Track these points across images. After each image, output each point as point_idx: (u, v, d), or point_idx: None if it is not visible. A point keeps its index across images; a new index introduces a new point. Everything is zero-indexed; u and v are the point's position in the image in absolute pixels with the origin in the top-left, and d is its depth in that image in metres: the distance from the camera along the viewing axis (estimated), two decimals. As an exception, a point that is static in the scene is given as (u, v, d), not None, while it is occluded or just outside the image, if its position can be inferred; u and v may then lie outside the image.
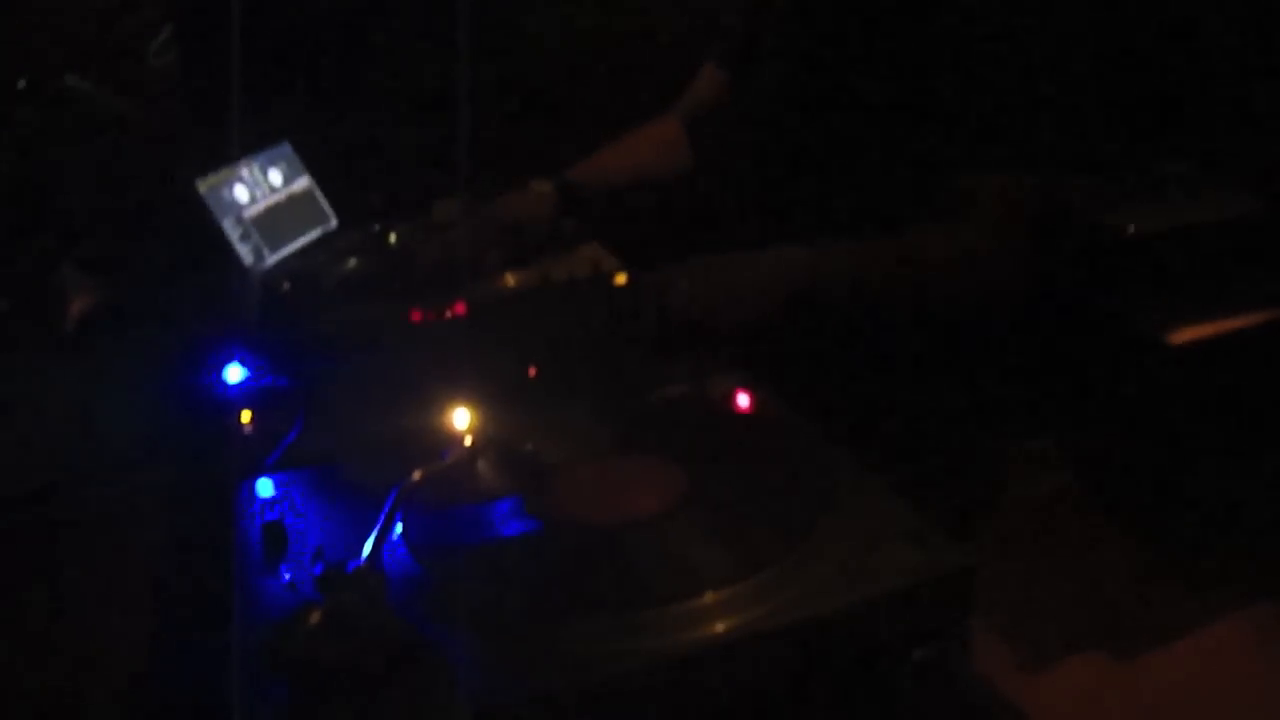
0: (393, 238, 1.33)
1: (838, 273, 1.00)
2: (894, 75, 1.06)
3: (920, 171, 1.05)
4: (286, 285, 1.20)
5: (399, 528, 0.75)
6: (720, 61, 1.34)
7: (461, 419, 0.85)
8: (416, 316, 1.15)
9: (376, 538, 0.70)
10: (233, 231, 1.27)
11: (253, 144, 1.38)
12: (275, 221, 1.35)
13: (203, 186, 1.27)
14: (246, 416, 0.95)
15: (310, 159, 1.45)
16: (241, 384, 0.97)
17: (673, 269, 1.01)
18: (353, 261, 1.26)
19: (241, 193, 1.31)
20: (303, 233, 1.39)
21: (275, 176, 1.39)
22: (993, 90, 1.04)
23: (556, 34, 1.79)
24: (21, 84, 1.47)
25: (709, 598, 0.67)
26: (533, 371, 1.01)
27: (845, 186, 1.12)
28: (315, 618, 0.61)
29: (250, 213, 1.31)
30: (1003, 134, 1.04)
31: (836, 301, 1.01)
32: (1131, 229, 2.04)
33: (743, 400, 0.93)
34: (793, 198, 1.21)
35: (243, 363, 0.98)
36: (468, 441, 0.84)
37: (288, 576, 0.72)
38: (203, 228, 1.27)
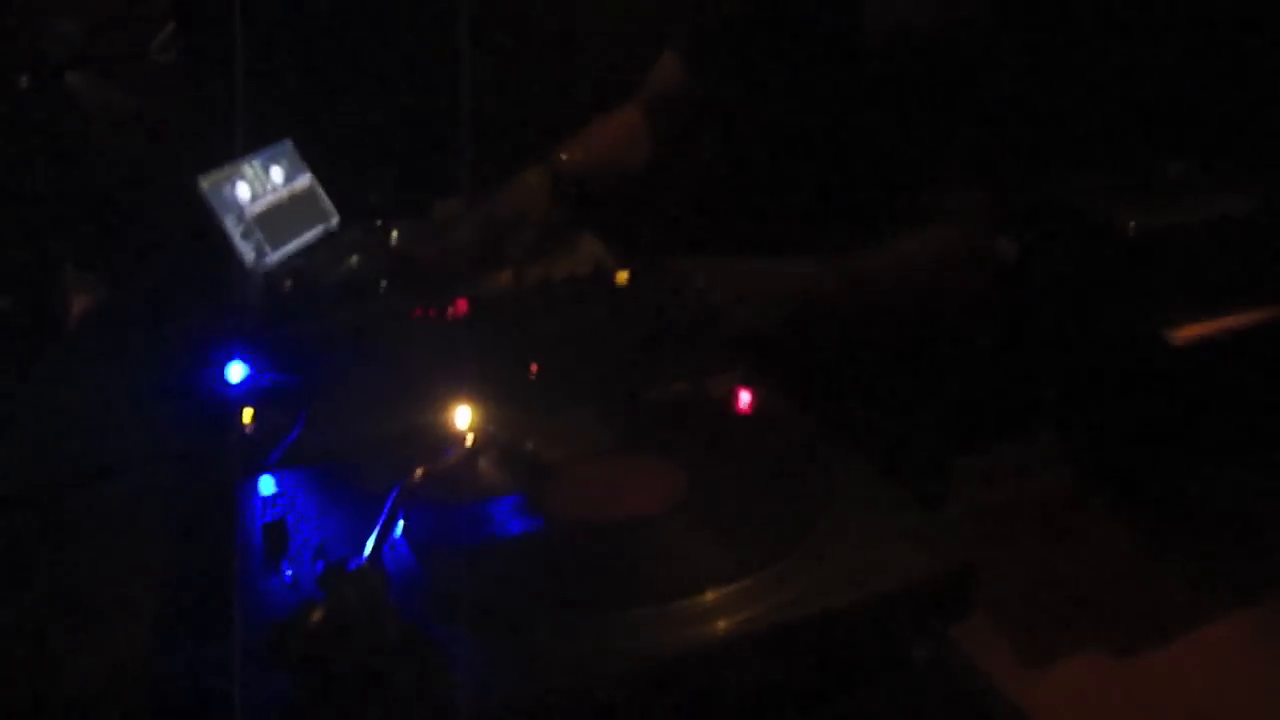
0: (394, 236, 1.34)
1: (844, 282, 1.01)
2: (862, 83, 1.06)
3: (894, 179, 1.06)
4: (288, 283, 1.20)
5: (400, 526, 0.75)
6: (680, 50, 1.32)
7: (463, 417, 0.86)
8: (417, 315, 1.15)
9: (378, 536, 0.70)
10: (234, 229, 1.27)
11: (255, 141, 1.38)
12: (277, 219, 1.35)
13: (205, 184, 1.27)
14: (248, 415, 0.95)
15: (312, 156, 1.45)
16: (243, 382, 0.97)
17: (691, 265, 1.01)
18: (354, 260, 1.26)
19: (243, 190, 1.31)
20: (305, 231, 1.39)
21: (277, 174, 1.39)
22: (968, 97, 1.05)
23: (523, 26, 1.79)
24: (23, 82, 1.47)
25: (709, 597, 0.67)
26: (533, 371, 1.01)
27: (819, 186, 1.13)
28: (317, 616, 0.61)
29: (252, 210, 1.31)
30: (968, 142, 1.05)
31: (842, 309, 1.02)
32: (1131, 229, 2.04)
33: (743, 400, 0.93)
34: (766, 198, 1.21)
35: (244, 361, 0.98)
36: (469, 440, 0.84)
37: (289, 574, 0.72)
38: (204, 226, 1.27)
